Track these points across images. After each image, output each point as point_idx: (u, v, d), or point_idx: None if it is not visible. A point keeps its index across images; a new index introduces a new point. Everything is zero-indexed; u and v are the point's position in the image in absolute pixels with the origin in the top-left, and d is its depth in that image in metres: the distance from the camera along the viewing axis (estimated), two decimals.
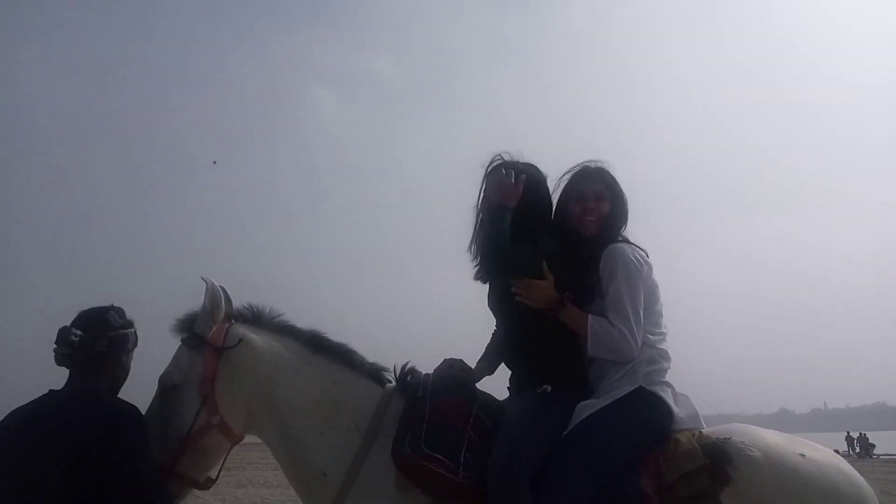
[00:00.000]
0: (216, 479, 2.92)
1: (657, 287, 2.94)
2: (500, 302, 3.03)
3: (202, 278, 2.91)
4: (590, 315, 2.83)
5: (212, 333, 2.85)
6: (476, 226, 3.08)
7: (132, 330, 2.77)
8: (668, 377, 2.87)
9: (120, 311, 2.75)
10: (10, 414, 2.58)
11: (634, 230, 3.08)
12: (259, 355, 2.88)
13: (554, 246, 2.92)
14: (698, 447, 2.66)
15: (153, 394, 2.83)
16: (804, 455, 2.65)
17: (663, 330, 2.93)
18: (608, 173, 3.07)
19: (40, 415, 2.53)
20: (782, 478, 2.57)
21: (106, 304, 2.76)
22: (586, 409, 2.73)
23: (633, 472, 2.63)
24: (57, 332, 2.63)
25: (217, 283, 2.93)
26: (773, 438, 2.73)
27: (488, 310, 3.15)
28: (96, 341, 2.63)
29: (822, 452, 2.73)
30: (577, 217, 2.99)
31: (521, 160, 3.07)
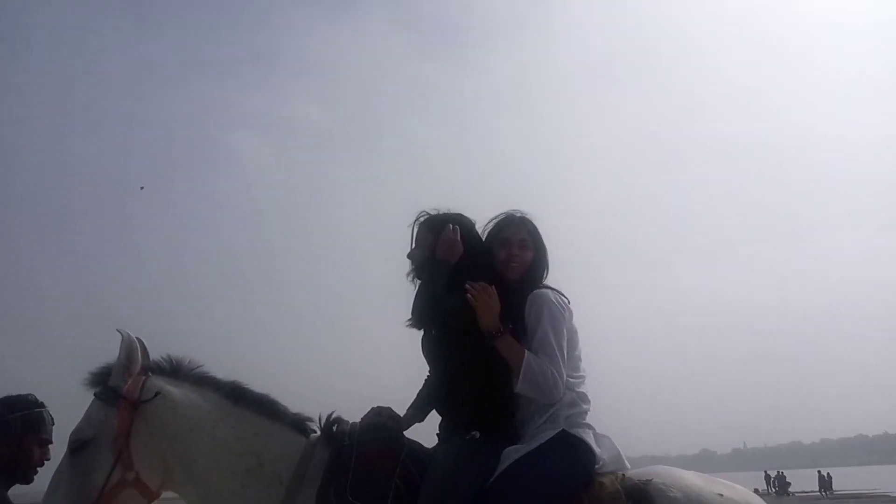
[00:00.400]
0: None
1: (576, 332, 3.01)
2: (435, 348, 3.05)
3: (117, 330, 2.82)
4: (526, 350, 2.85)
5: (127, 387, 2.75)
6: (411, 276, 3.11)
7: (18, 414, 2.91)
8: (589, 419, 2.92)
9: (5, 401, 2.95)
10: None
11: (554, 279, 3.16)
12: (177, 408, 2.78)
13: None
14: (621, 489, 2.70)
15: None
16: (722, 495, 2.73)
17: (582, 373, 2.99)
18: (531, 223, 3.16)
19: None
20: None
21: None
22: (512, 454, 2.74)
23: None
24: None
25: (133, 335, 2.84)
26: (693, 479, 2.80)
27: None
28: None
29: (739, 492, 2.82)
30: (503, 262, 3.06)
31: (448, 211, 3.13)
